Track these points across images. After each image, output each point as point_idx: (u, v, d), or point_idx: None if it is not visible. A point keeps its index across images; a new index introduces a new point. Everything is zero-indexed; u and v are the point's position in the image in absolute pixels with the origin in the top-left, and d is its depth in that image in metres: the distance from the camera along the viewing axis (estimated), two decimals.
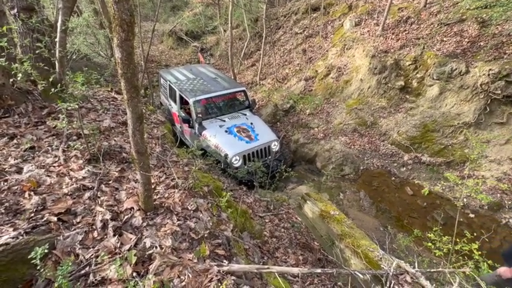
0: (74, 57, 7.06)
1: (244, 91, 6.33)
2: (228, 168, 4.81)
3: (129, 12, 0.96)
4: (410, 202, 5.13)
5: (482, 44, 5.67)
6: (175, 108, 6.15)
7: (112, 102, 3.55)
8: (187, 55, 14.38)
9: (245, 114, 5.97)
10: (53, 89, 2.00)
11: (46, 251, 1.29)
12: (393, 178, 5.70)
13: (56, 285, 1.24)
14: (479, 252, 2.20)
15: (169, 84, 6.23)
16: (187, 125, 5.66)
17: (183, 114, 5.76)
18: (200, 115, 5.47)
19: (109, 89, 3.97)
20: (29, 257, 1.24)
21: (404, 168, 5.78)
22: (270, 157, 5.39)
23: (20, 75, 2.02)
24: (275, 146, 5.55)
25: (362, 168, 5.99)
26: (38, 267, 1.24)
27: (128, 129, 1.41)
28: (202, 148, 5.20)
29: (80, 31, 8.57)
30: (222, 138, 5.17)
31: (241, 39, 12.73)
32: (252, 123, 5.72)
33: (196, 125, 5.42)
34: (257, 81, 9.74)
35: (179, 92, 5.79)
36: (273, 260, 2.80)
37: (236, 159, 4.92)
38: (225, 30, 13.50)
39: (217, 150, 5.02)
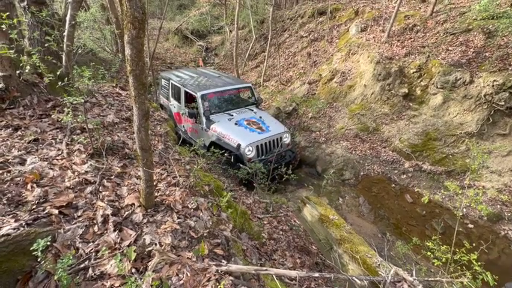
0: (80, 51, 7.09)
1: (250, 87, 6.34)
2: (239, 163, 4.73)
3: (141, 10, 0.97)
4: (409, 210, 5.12)
5: (487, 54, 5.67)
6: (178, 107, 6.14)
7: (116, 98, 3.56)
8: (191, 54, 14.44)
9: (252, 110, 5.97)
10: (60, 83, 2.01)
11: (48, 243, 1.30)
12: (393, 185, 5.70)
13: (55, 277, 1.24)
14: (479, 263, 2.19)
15: (172, 83, 6.20)
16: (192, 122, 5.64)
17: (188, 110, 5.73)
18: (208, 109, 5.44)
19: (114, 85, 3.99)
20: (31, 248, 1.25)
21: (405, 176, 5.77)
22: (282, 148, 5.35)
23: (28, 67, 2.04)
24: (286, 138, 5.52)
25: (362, 173, 5.98)
26: (39, 259, 1.25)
27: (134, 126, 1.42)
28: (211, 142, 5.16)
29: (87, 26, 8.61)
30: (232, 130, 5.10)
31: (246, 40, 12.77)
32: (261, 117, 5.70)
33: (204, 119, 5.37)
34: (261, 82, 9.76)
35: (184, 88, 5.78)
36: (270, 262, 2.80)
37: (249, 150, 4.84)
38: (230, 31, 13.56)
39: (229, 142, 4.94)
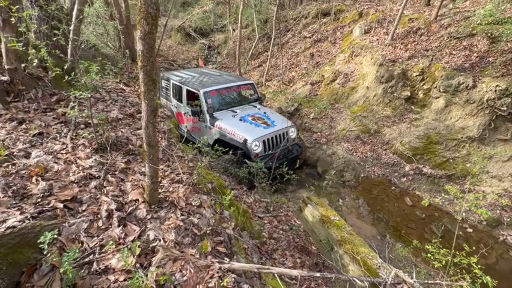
0: (83, 46, 7.08)
1: (252, 84, 6.33)
2: (246, 159, 4.69)
3: (155, 6, 0.98)
4: (409, 213, 5.13)
5: (490, 59, 5.68)
6: (180, 107, 6.12)
7: (120, 94, 3.56)
8: (194, 52, 14.42)
9: (256, 106, 5.95)
10: (66, 77, 2.01)
11: (55, 236, 1.30)
12: (393, 187, 5.71)
13: (61, 270, 1.24)
14: (479, 267, 2.20)
15: (173, 83, 6.16)
16: (195, 121, 5.61)
17: (191, 108, 5.70)
18: (211, 106, 5.42)
19: (118, 81, 3.98)
20: (38, 241, 1.25)
21: (405, 179, 5.78)
22: (289, 143, 5.32)
23: (36, 61, 2.04)
24: (293, 133, 5.49)
25: (362, 175, 5.99)
26: (45, 252, 1.25)
27: (142, 122, 1.42)
28: (215, 139, 5.14)
29: (90, 21, 8.59)
30: (238, 126, 5.06)
31: (249, 39, 12.76)
32: (265, 112, 5.68)
33: (208, 117, 5.33)
34: (263, 82, 9.75)
35: (186, 87, 5.77)
36: (271, 261, 2.81)
37: (256, 145, 4.79)
38: (233, 30, 13.55)
39: (234, 138, 4.89)
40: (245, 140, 4.78)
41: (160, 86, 6.90)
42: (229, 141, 4.91)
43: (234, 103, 5.84)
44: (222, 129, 5.11)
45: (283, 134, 5.28)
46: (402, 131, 6.26)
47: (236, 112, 5.53)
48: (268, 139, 5.02)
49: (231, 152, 4.69)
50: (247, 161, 4.53)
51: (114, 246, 1.48)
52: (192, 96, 5.73)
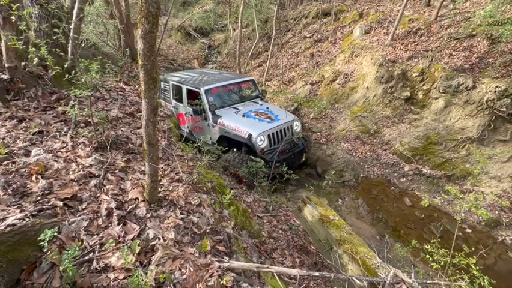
0: (83, 45, 7.06)
1: (252, 81, 6.32)
2: (251, 154, 4.67)
3: (156, 4, 0.98)
4: (408, 213, 5.14)
5: (490, 60, 5.69)
6: (180, 108, 6.10)
7: (120, 93, 3.56)
8: (194, 51, 14.42)
9: (257, 102, 5.95)
10: (66, 75, 2.01)
11: (55, 234, 1.30)
12: (393, 188, 5.71)
13: (61, 268, 1.25)
14: (478, 268, 2.20)
15: (172, 84, 6.15)
16: (197, 120, 5.59)
17: (192, 107, 5.70)
18: (213, 103, 5.41)
19: (118, 79, 3.98)
20: (38, 239, 1.25)
21: (404, 179, 5.79)
22: (294, 136, 5.31)
23: (36, 59, 2.04)
24: (297, 126, 5.48)
25: (362, 175, 6.00)
26: (45, 250, 1.25)
27: (142, 120, 1.43)
28: (220, 136, 5.13)
29: (90, 20, 8.58)
30: (241, 122, 5.04)
31: (249, 39, 12.76)
32: (267, 108, 5.67)
33: (210, 115, 5.32)
34: (263, 82, 9.76)
35: (186, 86, 5.76)
36: (270, 261, 2.82)
37: (261, 139, 4.77)
38: (234, 29, 13.55)
39: (239, 134, 4.87)
40: (250, 135, 4.75)
41: (159, 89, 6.88)
42: (233, 137, 4.89)
43: (235, 100, 5.84)
44: (225, 126, 5.09)
45: (287, 127, 5.27)
46: (402, 131, 6.27)
47: (238, 109, 5.52)
48: (273, 133, 5.00)
49: (235, 149, 4.67)
50: (252, 157, 4.51)
51: (114, 244, 1.49)
52: (193, 96, 5.72)
